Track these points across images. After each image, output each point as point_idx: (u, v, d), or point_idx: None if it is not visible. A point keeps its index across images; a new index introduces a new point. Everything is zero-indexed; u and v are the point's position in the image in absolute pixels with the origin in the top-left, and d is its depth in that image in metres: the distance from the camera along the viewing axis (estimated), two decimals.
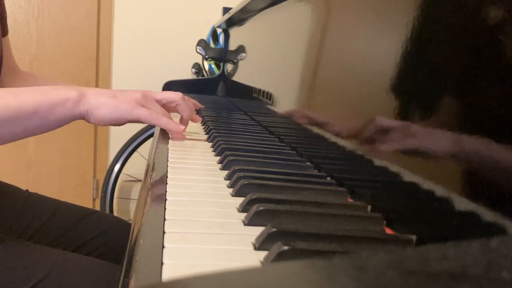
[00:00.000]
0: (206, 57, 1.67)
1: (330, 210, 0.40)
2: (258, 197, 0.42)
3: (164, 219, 0.37)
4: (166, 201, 0.42)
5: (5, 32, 0.89)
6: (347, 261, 0.17)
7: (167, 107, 0.75)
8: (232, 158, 0.58)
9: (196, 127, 0.90)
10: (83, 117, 0.64)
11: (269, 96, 0.92)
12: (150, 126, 1.88)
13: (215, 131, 0.79)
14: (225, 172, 0.55)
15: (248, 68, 1.25)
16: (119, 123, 0.66)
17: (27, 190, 0.91)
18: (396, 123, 0.43)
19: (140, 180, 2.01)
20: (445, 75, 0.37)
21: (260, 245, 0.33)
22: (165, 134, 0.78)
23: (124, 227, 0.92)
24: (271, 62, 0.97)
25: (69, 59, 2.12)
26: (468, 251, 0.18)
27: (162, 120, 0.68)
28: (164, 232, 0.35)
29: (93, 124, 0.65)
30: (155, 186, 0.47)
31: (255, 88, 1.06)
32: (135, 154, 1.94)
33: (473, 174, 0.32)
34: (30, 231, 0.82)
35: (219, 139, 0.71)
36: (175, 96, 0.74)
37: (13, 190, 0.89)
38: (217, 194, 0.47)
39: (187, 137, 0.78)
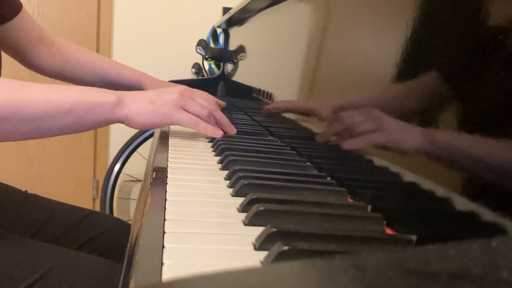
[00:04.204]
0: (206, 57, 1.67)
1: (330, 210, 0.40)
2: (258, 197, 0.42)
3: (164, 219, 0.37)
4: (166, 201, 0.42)
5: (16, 11, 0.86)
6: (347, 261, 0.17)
7: None
8: (232, 158, 0.58)
9: None
10: (122, 121, 0.65)
11: (269, 96, 0.92)
12: None
13: None
14: (225, 172, 0.55)
15: (248, 68, 1.24)
16: (160, 126, 0.68)
17: (25, 191, 0.90)
18: (396, 123, 0.43)
19: (140, 180, 2.01)
20: (444, 75, 0.37)
21: (260, 245, 0.33)
22: (165, 134, 0.78)
23: (123, 227, 0.92)
24: (271, 62, 0.96)
25: None
26: (468, 251, 0.18)
27: (200, 125, 0.69)
28: (164, 232, 0.35)
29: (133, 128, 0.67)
30: (155, 186, 0.47)
31: (255, 88, 1.06)
32: (135, 154, 1.94)
33: (473, 174, 0.32)
34: (29, 232, 0.82)
35: (219, 139, 0.71)
36: (200, 113, 0.70)
37: (11, 191, 0.89)
38: (217, 194, 0.47)
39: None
